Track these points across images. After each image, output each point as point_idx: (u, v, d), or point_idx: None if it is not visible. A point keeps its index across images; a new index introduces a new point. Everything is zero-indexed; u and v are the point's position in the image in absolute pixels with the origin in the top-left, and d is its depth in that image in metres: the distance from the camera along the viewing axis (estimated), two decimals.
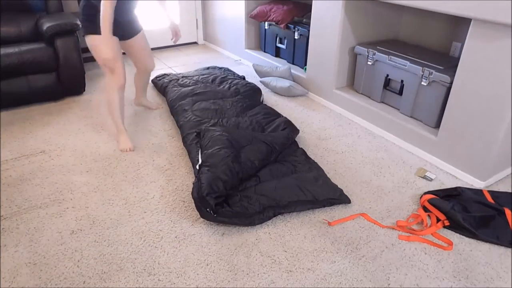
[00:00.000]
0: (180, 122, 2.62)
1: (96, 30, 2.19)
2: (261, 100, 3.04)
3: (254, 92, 3.04)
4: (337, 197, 1.96)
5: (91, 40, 2.23)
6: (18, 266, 1.62)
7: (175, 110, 2.79)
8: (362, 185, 2.15)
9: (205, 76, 3.33)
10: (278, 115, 2.71)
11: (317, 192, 1.96)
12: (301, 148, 2.39)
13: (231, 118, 2.61)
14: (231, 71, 3.56)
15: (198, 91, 2.96)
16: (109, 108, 2.39)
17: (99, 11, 2.10)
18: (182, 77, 3.35)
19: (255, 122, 2.57)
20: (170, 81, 3.27)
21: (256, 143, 2.19)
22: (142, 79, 2.79)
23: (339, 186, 2.08)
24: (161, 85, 3.26)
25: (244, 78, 3.36)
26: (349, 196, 2.04)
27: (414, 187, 2.15)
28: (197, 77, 3.32)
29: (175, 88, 3.09)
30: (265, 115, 2.68)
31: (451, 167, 2.26)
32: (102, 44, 2.13)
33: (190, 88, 3.05)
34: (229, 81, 3.18)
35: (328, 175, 2.21)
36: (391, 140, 2.61)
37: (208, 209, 1.77)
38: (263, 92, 3.28)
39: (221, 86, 3.10)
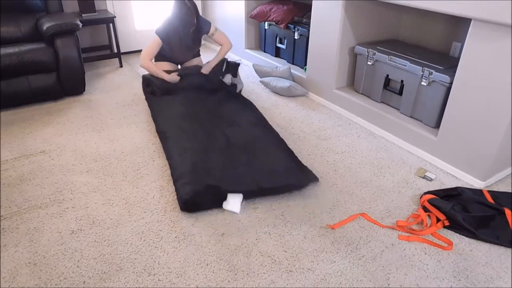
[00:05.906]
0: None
1: None
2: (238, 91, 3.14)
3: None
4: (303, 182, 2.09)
5: None
6: (18, 266, 1.62)
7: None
8: (362, 185, 2.15)
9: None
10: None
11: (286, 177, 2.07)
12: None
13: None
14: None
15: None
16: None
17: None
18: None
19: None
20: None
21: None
22: None
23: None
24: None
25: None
26: (349, 196, 2.04)
27: (414, 187, 2.15)
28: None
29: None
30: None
31: (451, 167, 2.26)
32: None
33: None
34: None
35: (328, 175, 2.22)
36: (391, 140, 2.61)
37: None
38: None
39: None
